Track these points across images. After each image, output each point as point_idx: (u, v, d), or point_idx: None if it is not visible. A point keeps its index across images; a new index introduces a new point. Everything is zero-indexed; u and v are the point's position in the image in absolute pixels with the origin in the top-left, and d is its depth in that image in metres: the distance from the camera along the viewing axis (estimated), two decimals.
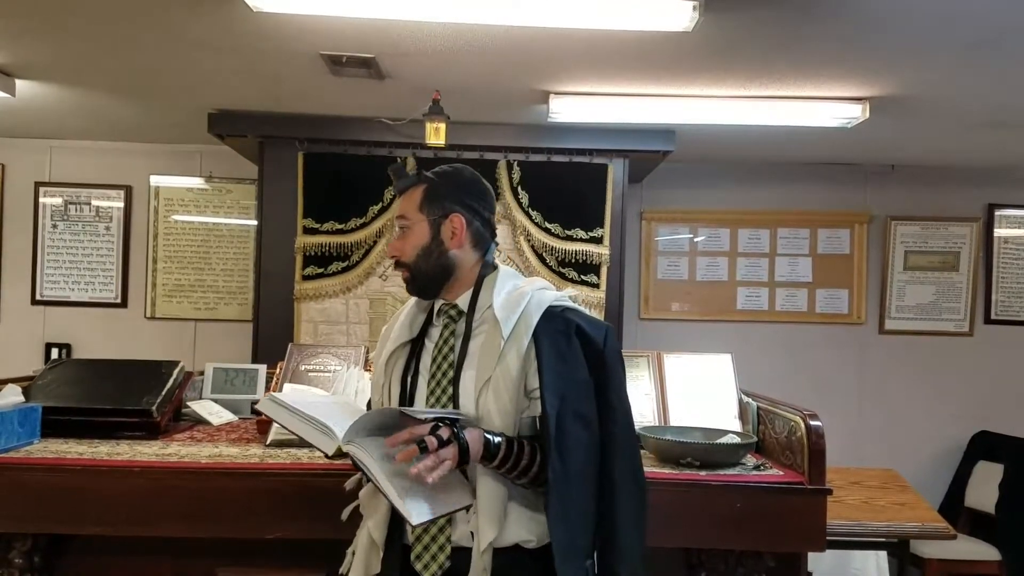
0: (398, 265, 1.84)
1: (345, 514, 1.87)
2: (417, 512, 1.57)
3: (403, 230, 1.83)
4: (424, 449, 1.55)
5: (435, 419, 1.62)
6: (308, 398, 1.86)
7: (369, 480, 1.64)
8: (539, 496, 1.72)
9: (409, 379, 1.80)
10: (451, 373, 1.75)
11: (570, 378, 1.71)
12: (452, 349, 1.77)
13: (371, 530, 1.76)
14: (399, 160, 4.31)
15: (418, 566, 1.70)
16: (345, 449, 1.58)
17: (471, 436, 1.63)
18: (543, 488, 1.68)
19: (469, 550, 1.69)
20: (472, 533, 1.69)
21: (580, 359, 1.73)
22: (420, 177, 1.84)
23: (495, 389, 1.70)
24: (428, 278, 1.82)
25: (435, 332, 1.83)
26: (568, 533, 1.66)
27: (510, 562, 1.68)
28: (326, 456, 1.65)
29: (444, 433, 1.59)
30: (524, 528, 1.71)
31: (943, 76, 3.32)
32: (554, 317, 1.75)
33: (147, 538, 2.29)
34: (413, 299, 1.89)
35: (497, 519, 1.68)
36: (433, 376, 1.76)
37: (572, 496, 1.67)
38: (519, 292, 1.79)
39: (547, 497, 1.66)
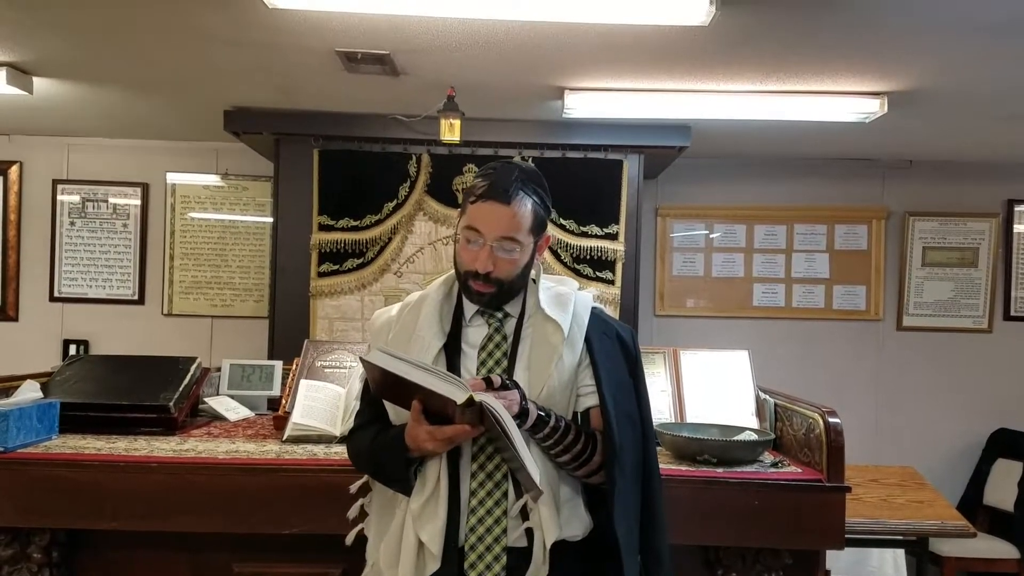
0: (488, 280, 1.72)
1: (352, 512, 1.87)
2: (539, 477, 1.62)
3: (511, 252, 1.72)
4: (489, 383, 1.62)
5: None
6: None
7: (497, 439, 1.63)
8: (580, 489, 1.75)
9: None
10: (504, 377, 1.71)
11: (618, 379, 1.76)
12: (505, 354, 1.75)
13: (427, 543, 1.66)
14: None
15: (472, 575, 1.67)
16: (478, 399, 1.55)
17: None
18: (579, 471, 1.71)
19: (520, 549, 1.68)
20: (527, 532, 1.68)
21: (621, 361, 1.79)
22: (526, 189, 1.77)
23: (552, 389, 1.71)
24: (514, 293, 1.78)
25: (473, 334, 1.78)
26: (630, 530, 1.69)
27: (558, 556, 1.68)
28: (456, 405, 1.57)
29: (509, 382, 1.65)
30: (577, 521, 1.72)
31: (963, 68, 3.28)
32: (596, 319, 1.80)
33: (164, 533, 2.31)
34: (433, 293, 1.81)
35: (556, 516, 1.69)
36: None
37: (630, 493, 1.71)
38: (558, 292, 1.81)
39: (611, 495, 1.67)
